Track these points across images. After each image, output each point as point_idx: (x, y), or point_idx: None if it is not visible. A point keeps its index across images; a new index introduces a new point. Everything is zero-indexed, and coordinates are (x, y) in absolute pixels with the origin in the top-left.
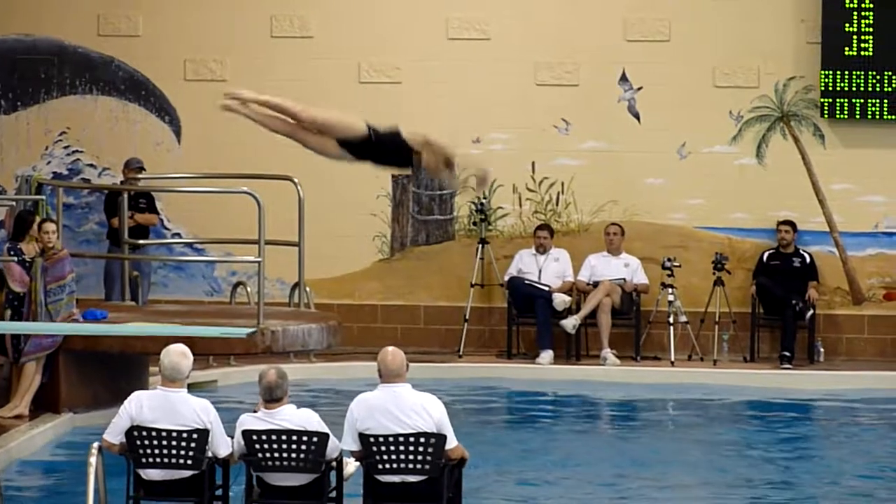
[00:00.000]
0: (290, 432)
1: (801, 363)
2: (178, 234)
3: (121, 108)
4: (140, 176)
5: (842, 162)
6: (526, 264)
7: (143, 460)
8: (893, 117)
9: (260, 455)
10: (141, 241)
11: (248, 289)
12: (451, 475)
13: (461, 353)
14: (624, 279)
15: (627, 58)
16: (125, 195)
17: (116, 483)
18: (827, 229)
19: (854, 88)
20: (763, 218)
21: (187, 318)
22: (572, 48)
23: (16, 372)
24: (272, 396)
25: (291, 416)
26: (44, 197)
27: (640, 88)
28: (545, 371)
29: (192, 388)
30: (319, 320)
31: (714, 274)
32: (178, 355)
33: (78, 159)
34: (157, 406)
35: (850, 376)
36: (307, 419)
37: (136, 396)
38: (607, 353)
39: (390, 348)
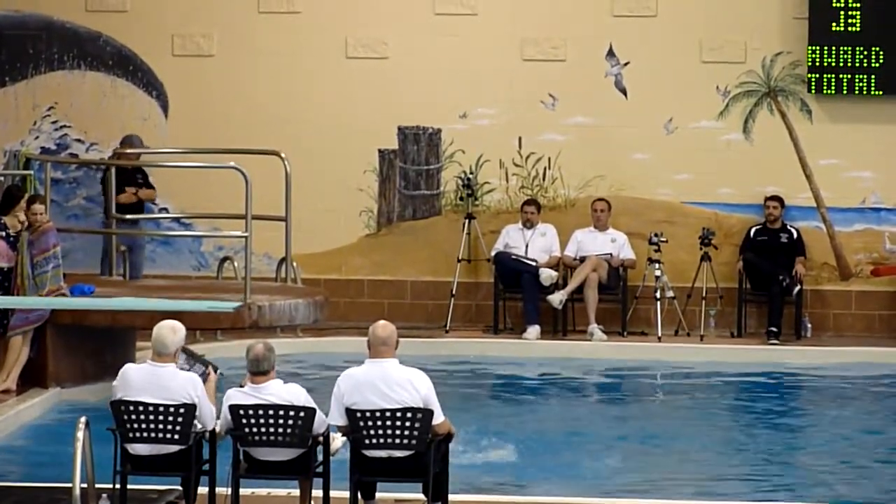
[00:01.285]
0: (276, 407)
1: (788, 339)
2: (165, 209)
3: (108, 83)
4: (128, 150)
5: (829, 137)
6: (513, 239)
7: (130, 435)
8: (881, 93)
9: (247, 430)
10: (128, 216)
11: (235, 264)
12: (437, 450)
13: (448, 328)
14: (611, 254)
15: (614, 33)
16: (112, 170)
17: (104, 458)
18: (814, 205)
19: (841, 64)
20: (750, 193)
21: (174, 292)
22: (559, 23)
23: (2, 346)
24: (259, 369)
25: (278, 391)
26: (32, 172)
27: (626, 63)
28: (532, 346)
29: None
30: (306, 295)
31: (701, 249)
32: (167, 329)
33: (66, 134)
34: (144, 380)
35: (838, 352)
36: (294, 394)
37: (124, 370)
38: (594, 328)
39: (381, 321)
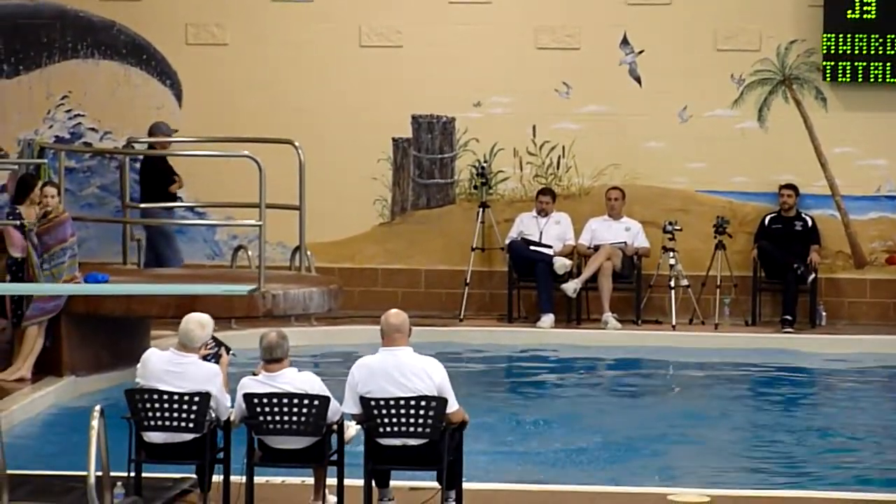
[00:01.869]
0: (291, 395)
1: (803, 327)
2: (179, 198)
3: (122, 71)
4: (148, 140)
5: (844, 125)
6: (527, 227)
7: (145, 423)
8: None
9: (261, 418)
10: (142, 205)
11: (249, 252)
12: (451, 438)
13: (462, 316)
14: (625, 243)
15: (629, 21)
16: (126, 159)
17: (119, 446)
18: (829, 193)
19: (856, 52)
20: (765, 181)
21: (188, 281)
22: (573, 11)
23: (17, 335)
24: (273, 356)
25: (293, 380)
26: (46, 161)
27: (641, 52)
28: (546, 335)
29: None
30: (320, 284)
31: (715, 238)
32: (195, 324)
33: (80, 123)
34: (164, 368)
35: (852, 340)
36: (308, 382)
37: (147, 355)
38: (608, 316)
39: (394, 309)
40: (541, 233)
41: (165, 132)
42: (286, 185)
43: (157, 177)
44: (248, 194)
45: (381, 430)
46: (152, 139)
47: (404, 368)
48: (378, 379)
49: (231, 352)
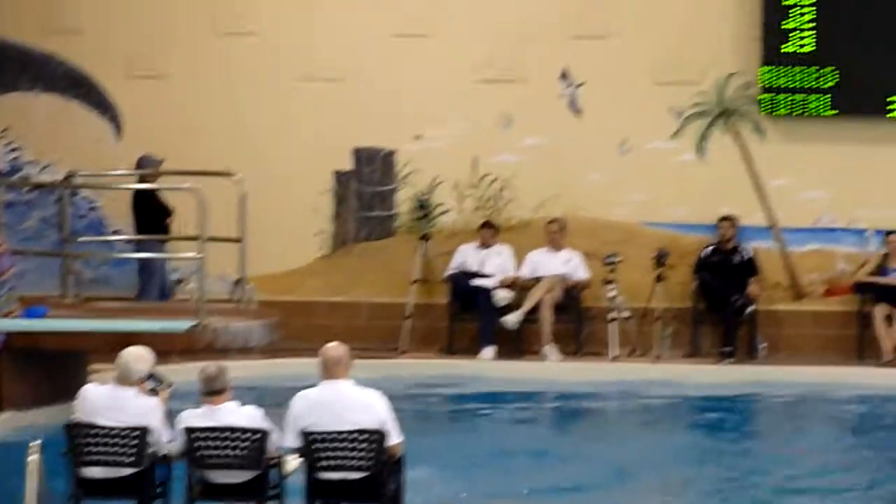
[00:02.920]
0: (231, 429)
1: (742, 359)
2: (118, 231)
3: (61, 104)
4: (137, 172)
5: (782, 157)
6: (468, 259)
7: (85, 458)
8: (834, 112)
9: (200, 452)
10: (81, 239)
11: (190, 285)
12: (393, 471)
13: (402, 349)
14: (566, 274)
15: (570, 54)
16: (66, 192)
17: (60, 482)
18: (768, 225)
19: (794, 84)
20: (705, 213)
21: (128, 314)
22: (514, 44)
23: None
24: (212, 388)
25: (233, 413)
26: None
27: (581, 84)
28: (487, 367)
29: None
30: (261, 317)
31: (655, 269)
32: (132, 358)
33: (18, 157)
34: (102, 403)
35: (790, 371)
36: (249, 416)
37: (84, 390)
38: (549, 348)
39: (333, 342)
40: (482, 264)
41: (154, 164)
42: (227, 217)
43: (152, 211)
44: (190, 226)
45: (321, 463)
46: (143, 171)
47: (345, 401)
48: (318, 412)
49: (171, 385)
